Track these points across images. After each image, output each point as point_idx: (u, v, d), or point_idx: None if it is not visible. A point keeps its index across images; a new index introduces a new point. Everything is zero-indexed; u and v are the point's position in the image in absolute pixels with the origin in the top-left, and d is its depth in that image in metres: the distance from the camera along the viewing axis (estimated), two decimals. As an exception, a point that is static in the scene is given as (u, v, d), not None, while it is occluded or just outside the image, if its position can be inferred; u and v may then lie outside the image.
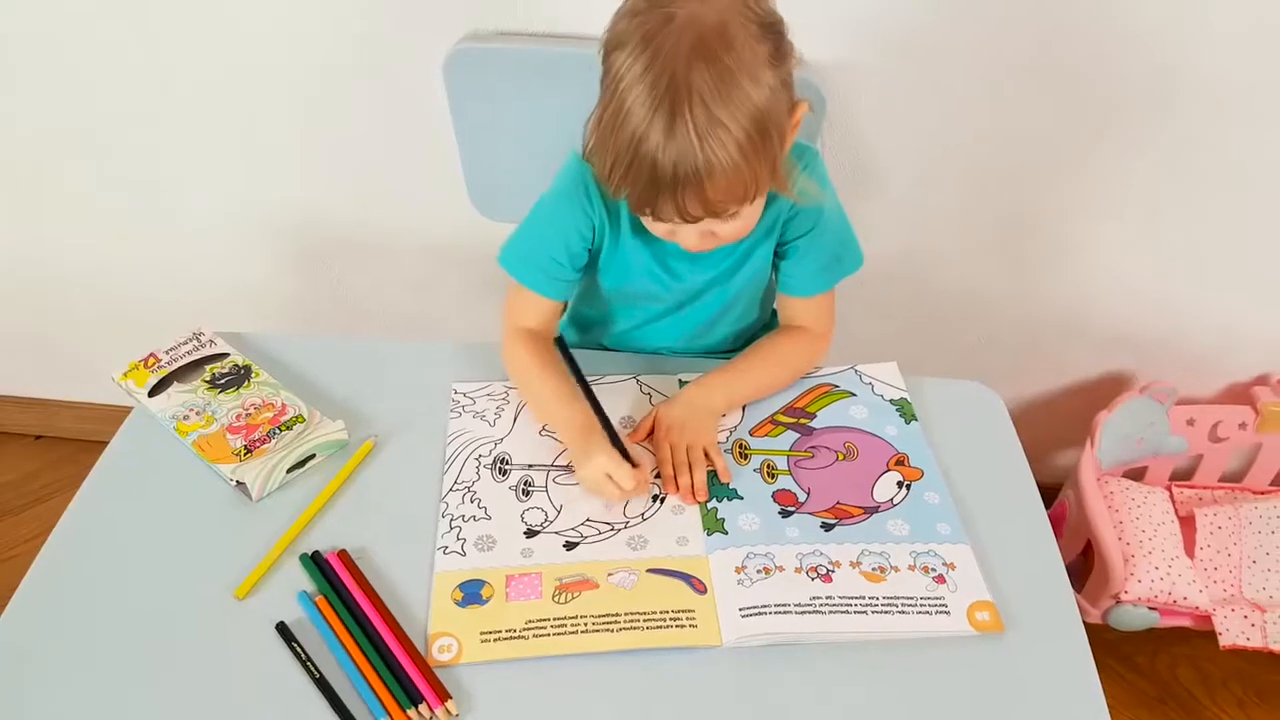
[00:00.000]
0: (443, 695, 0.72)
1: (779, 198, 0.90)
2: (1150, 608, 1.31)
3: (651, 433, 0.94)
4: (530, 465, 0.91)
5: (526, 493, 0.88)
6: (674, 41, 0.73)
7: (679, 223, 0.80)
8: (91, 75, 1.26)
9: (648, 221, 0.86)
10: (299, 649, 0.75)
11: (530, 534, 0.84)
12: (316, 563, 0.82)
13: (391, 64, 1.20)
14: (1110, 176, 1.25)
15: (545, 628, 0.76)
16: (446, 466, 0.90)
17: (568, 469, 0.90)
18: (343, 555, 0.82)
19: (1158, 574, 1.29)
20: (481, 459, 0.91)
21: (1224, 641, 1.28)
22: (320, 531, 0.85)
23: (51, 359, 1.68)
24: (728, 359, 1.01)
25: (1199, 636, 1.37)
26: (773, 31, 0.78)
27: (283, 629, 0.76)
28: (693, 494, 0.88)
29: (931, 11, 1.12)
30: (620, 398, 0.98)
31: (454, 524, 0.85)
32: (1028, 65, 1.16)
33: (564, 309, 1.04)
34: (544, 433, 0.94)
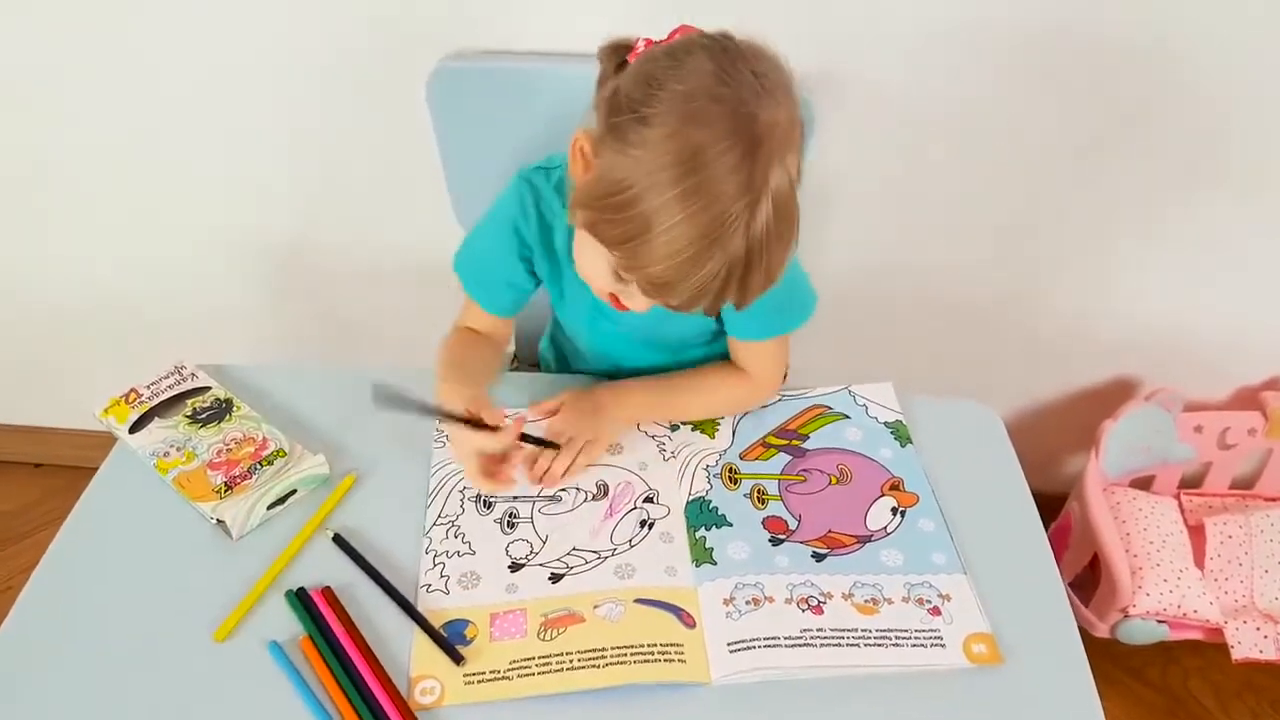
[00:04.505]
0: (423, 739, 0.70)
1: None
2: (1159, 621, 1.29)
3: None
4: (515, 496, 0.89)
5: (511, 524, 0.86)
6: (763, 145, 0.69)
7: (657, 300, 0.75)
8: (80, 101, 1.26)
9: (596, 274, 0.80)
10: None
11: (515, 568, 0.83)
12: (302, 599, 0.80)
13: (375, 84, 1.19)
14: (1112, 181, 1.23)
15: (530, 667, 0.75)
16: (430, 500, 0.89)
17: (554, 499, 0.89)
18: (326, 592, 0.81)
19: (1166, 587, 1.26)
20: (465, 492, 0.89)
21: (1236, 655, 1.25)
22: (302, 568, 0.83)
23: (49, 386, 1.68)
24: None
25: (1211, 648, 1.34)
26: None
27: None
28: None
29: (926, 20, 1.10)
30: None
31: (437, 560, 0.84)
32: (1027, 72, 1.13)
33: (510, 324, 1.02)
34: (530, 461, 0.92)
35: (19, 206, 1.41)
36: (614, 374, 1.00)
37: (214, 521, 0.85)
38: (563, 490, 0.89)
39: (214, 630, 0.78)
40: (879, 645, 0.77)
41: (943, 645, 0.78)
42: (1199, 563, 1.32)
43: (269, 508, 0.86)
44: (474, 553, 0.84)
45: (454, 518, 0.87)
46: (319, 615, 0.79)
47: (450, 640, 0.77)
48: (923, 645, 0.77)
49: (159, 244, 1.43)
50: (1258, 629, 1.26)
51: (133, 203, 1.38)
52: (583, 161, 0.76)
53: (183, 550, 0.84)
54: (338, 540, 0.84)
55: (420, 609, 0.79)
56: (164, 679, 0.75)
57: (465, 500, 0.89)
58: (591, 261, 0.79)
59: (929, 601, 0.81)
